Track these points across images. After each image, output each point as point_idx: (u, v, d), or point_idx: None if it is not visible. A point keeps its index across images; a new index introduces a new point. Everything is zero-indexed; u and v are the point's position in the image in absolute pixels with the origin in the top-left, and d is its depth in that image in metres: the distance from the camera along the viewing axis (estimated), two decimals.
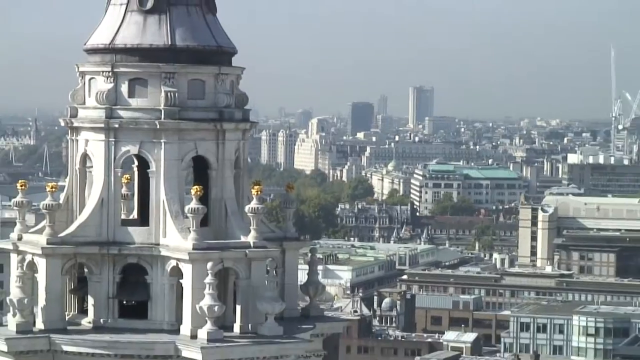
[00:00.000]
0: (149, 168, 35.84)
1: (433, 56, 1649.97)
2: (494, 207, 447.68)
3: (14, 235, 36.77)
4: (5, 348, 34.74)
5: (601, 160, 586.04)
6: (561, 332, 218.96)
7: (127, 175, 36.68)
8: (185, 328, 34.69)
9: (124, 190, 36.59)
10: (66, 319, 35.84)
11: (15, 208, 37.61)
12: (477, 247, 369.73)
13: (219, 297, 34.48)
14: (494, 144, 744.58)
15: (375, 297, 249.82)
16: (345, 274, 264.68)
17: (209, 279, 34.15)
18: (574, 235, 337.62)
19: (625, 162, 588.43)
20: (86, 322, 35.92)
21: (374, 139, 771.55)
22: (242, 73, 37.25)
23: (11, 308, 35.38)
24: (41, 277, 35.39)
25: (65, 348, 34.59)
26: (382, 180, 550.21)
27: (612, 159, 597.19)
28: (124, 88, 35.74)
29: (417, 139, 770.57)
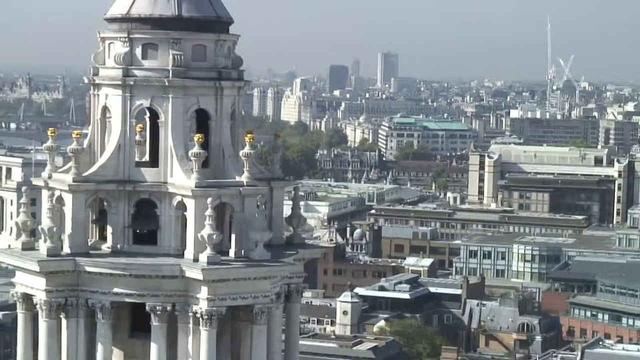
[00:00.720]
0: (158, 119, 35.98)
1: (399, 25, 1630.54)
2: (448, 154, 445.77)
3: (45, 175, 37.00)
4: (37, 269, 34.98)
5: (538, 115, 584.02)
6: (503, 258, 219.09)
7: (140, 125, 36.66)
8: (189, 253, 34.84)
9: (137, 137, 36.56)
10: (88, 245, 35.97)
11: (46, 152, 37.53)
12: (433, 187, 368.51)
13: (217, 227, 34.68)
14: (448, 100, 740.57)
15: (348, 228, 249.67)
16: (323, 209, 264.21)
17: (208, 212, 34.40)
18: (514, 177, 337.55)
19: (558, 117, 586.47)
20: (105, 247, 36.11)
21: (347, 95, 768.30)
22: (237, 40, 37.38)
23: (42, 235, 35.63)
24: (68, 209, 35.63)
25: (88, 269, 34.88)
26: (355, 130, 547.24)
27: (547, 114, 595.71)
28: (138, 51, 35.88)
29: (384, 96, 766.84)
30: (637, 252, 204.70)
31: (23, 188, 38.64)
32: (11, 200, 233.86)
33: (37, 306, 35.50)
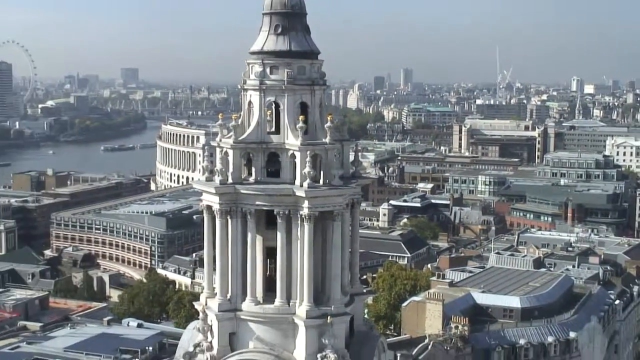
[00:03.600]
0: (279, 107, 35.85)
1: (412, 50, 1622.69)
2: (441, 125, 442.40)
3: (217, 139, 36.75)
4: (214, 191, 35.20)
5: (492, 102, 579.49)
6: (473, 183, 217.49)
7: (269, 111, 36.60)
8: (297, 181, 34.69)
9: (267, 118, 36.45)
10: (242, 178, 35.70)
11: (217, 126, 37.54)
12: (433, 144, 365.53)
13: (312, 167, 34.49)
14: (441, 95, 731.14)
15: (385, 167, 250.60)
16: (371, 156, 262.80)
17: (308, 159, 34.44)
18: (478, 138, 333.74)
19: (504, 103, 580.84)
20: (251, 180, 35.76)
21: (384, 93, 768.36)
22: (322, 63, 36.85)
23: (217, 173, 35.69)
24: (230, 158, 35.51)
25: (242, 191, 35.05)
26: (389, 112, 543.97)
27: (497, 102, 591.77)
28: (267, 70, 35.62)
29: (404, 93, 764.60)
30: (548, 179, 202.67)
31: (205, 147, 38.89)
32: (200, 154, 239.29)
33: (215, 212, 35.85)
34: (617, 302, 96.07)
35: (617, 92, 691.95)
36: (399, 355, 71.21)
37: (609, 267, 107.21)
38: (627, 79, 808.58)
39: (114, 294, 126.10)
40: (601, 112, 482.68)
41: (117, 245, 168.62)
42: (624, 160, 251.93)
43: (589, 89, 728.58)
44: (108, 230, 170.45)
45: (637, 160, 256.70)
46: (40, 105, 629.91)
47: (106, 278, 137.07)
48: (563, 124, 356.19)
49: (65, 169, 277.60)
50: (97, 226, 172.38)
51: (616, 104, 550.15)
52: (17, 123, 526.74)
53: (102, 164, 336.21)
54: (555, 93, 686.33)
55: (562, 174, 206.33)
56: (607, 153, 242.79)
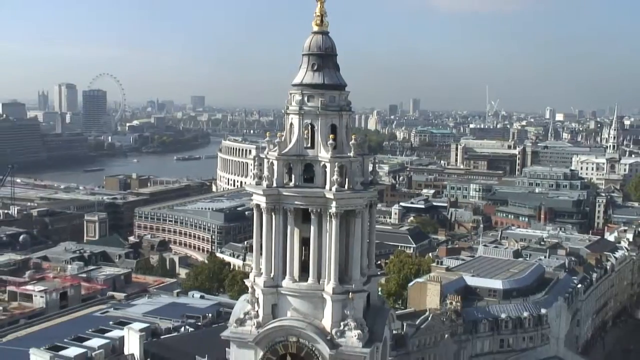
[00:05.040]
0: (314, 128, 35.42)
1: (420, 82, 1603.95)
2: (442, 143, 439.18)
3: (265, 152, 35.98)
4: (262, 193, 34.79)
5: (482, 126, 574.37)
6: (466, 190, 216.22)
7: (306, 131, 36.25)
8: (327, 186, 33.96)
9: (305, 136, 36.06)
10: (284, 182, 34.99)
11: (265, 142, 37.18)
12: (435, 158, 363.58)
13: (339, 176, 34.12)
14: (442, 120, 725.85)
15: (397, 176, 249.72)
16: (385, 167, 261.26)
17: (336, 169, 33.96)
18: (471, 154, 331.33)
19: (491, 127, 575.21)
20: (291, 184, 35.03)
21: (397, 117, 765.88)
22: (348, 93, 36.30)
23: (264, 178, 35.07)
24: (275, 167, 35.01)
25: (284, 193, 34.78)
26: (400, 133, 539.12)
27: (486, 126, 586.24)
28: (305, 99, 35.26)
29: (413, 118, 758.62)
30: (526, 188, 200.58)
31: (256, 158, 38.70)
32: (251, 164, 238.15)
33: (262, 209, 35.83)
34: (579, 286, 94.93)
35: (582, 120, 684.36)
36: (404, 324, 70.88)
37: (573, 258, 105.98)
38: (590, 109, 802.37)
39: (182, 272, 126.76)
40: (569, 135, 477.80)
41: (185, 234, 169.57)
42: (586, 174, 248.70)
43: (559, 116, 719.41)
44: (179, 222, 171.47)
45: (597, 174, 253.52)
46: (127, 124, 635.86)
47: (176, 259, 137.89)
48: (538, 144, 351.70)
49: (146, 174, 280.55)
50: (170, 219, 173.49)
51: (581, 129, 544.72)
52: (109, 137, 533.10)
53: (174, 170, 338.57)
54: (532, 120, 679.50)
55: (537, 183, 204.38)
56: (573, 168, 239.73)
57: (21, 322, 77.06)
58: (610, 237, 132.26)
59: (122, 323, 67.28)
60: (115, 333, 63.60)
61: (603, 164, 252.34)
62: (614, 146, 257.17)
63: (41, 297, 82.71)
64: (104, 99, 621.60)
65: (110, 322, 68.99)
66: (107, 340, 61.91)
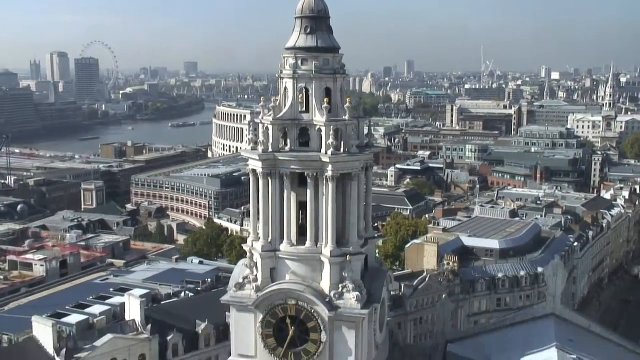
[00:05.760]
0: (309, 92, 35.47)
1: (415, 44, 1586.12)
2: (437, 105, 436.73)
3: (260, 117, 36.40)
4: (257, 158, 35.02)
5: (478, 86, 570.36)
6: (462, 151, 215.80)
7: (301, 95, 36.18)
8: (323, 149, 34.38)
9: (299, 100, 36.00)
10: (279, 147, 35.28)
11: (260, 107, 37.31)
12: (430, 120, 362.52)
13: (335, 138, 34.30)
14: (437, 81, 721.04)
15: (392, 139, 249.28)
16: (381, 130, 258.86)
17: (331, 132, 34.17)
18: (466, 115, 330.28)
19: (487, 87, 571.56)
20: (287, 149, 35.36)
21: (392, 79, 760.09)
22: (342, 56, 36.14)
23: (260, 143, 35.47)
24: (270, 132, 35.22)
25: (280, 157, 34.86)
26: (395, 95, 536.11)
27: (482, 86, 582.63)
28: (299, 62, 35.18)
29: (408, 79, 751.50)
30: (522, 147, 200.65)
31: (251, 123, 38.62)
32: (246, 129, 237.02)
33: (258, 174, 35.88)
34: (575, 244, 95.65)
35: (578, 78, 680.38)
36: (402, 285, 71.53)
37: (569, 217, 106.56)
38: (585, 67, 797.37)
39: (181, 238, 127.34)
40: (565, 94, 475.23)
41: (182, 201, 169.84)
42: (582, 132, 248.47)
43: (555, 75, 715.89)
44: (175, 189, 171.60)
45: (593, 132, 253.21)
46: (121, 92, 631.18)
47: (174, 226, 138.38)
48: (534, 104, 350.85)
49: (141, 141, 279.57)
50: (167, 186, 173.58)
51: (577, 87, 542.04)
52: (103, 106, 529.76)
53: (169, 137, 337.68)
54: (528, 79, 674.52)
55: (533, 143, 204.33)
56: (569, 126, 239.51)
57: (22, 290, 77.55)
58: (607, 195, 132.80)
59: (122, 290, 67.71)
60: (116, 300, 64.08)
61: (599, 122, 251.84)
62: (610, 104, 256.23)
63: (41, 265, 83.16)
64: (96, 67, 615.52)
65: (111, 289, 69.43)
66: (108, 307, 62.39)
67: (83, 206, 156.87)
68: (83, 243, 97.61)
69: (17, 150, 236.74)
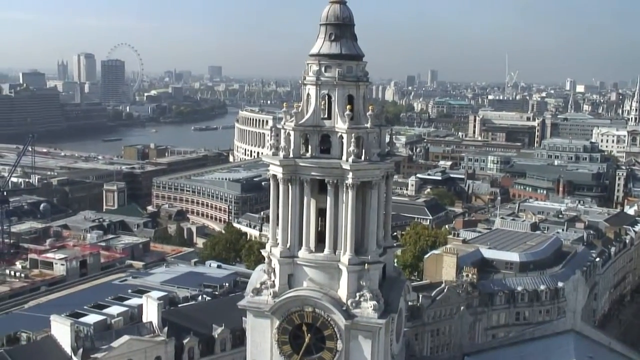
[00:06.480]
0: (331, 99, 35.25)
1: (439, 53, 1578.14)
2: (459, 115, 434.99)
3: (282, 123, 36.06)
4: (278, 163, 34.82)
5: (501, 98, 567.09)
6: (484, 162, 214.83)
7: (323, 102, 36.07)
8: (344, 157, 34.00)
9: (321, 107, 35.90)
10: (300, 153, 35.07)
11: (282, 112, 37.16)
12: (452, 130, 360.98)
13: (356, 147, 34.04)
14: (460, 91, 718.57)
15: (414, 148, 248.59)
16: (402, 139, 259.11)
17: (353, 140, 33.90)
18: (489, 126, 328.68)
19: (510, 98, 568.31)
20: (308, 155, 35.17)
21: (415, 88, 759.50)
22: (365, 64, 35.89)
23: (281, 149, 35.14)
24: (292, 137, 35.05)
25: (301, 163, 34.77)
26: (418, 104, 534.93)
27: (505, 97, 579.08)
28: (322, 69, 34.97)
29: (431, 89, 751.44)
30: (545, 160, 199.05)
31: (273, 129, 38.58)
32: (268, 134, 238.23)
33: (279, 180, 35.82)
34: (597, 259, 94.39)
35: (603, 91, 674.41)
36: (420, 296, 71.03)
37: (591, 231, 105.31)
38: (611, 80, 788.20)
39: (200, 242, 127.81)
40: (589, 107, 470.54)
41: (202, 204, 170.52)
42: (606, 146, 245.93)
43: (580, 88, 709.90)
44: (196, 192, 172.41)
45: (618, 147, 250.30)
46: (145, 94, 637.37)
47: (194, 229, 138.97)
48: (558, 116, 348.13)
49: (164, 144, 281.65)
50: (187, 188, 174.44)
51: (602, 100, 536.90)
52: (127, 107, 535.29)
53: (192, 140, 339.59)
54: (552, 91, 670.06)
55: (556, 156, 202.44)
56: (593, 140, 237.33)
57: (42, 289, 78.36)
58: (630, 210, 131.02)
59: (140, 291, 68.13)
60: (134, 301, 64.47)
61: (624, 136, 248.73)
62: (635, 118, 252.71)
63: (62, 264, 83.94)
64: (122, 69, 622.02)
65: (129, 290, 69.87)
66: (126, 308, 62.81)
67: (104, 207, 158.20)
68: (103, 243, 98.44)
69: (45, 150, 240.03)
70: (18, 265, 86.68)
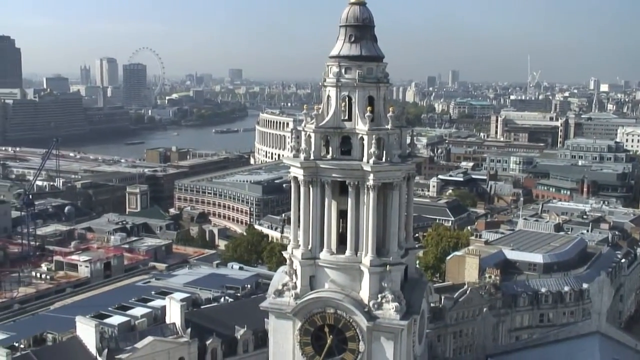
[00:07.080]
0: (352, 100, 35.20)
1: (459, 53, 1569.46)
2: (481, 115, 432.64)
3: (302, 125, 36.23)
4: (299, 165, 34.88)
5: (523, 98, 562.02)
6: (506, 162, 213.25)
7: (343, 103, 35.94)
8: (365, 158, 33.97)
9: (342, 108, 35.90)
10: (321, 155, 35.09)
11: (302, 115, 37.45)
12: (474, 130, 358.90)
13: (377, 148, 33.98)
14: (481, 92, 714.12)
15: (435, 149, 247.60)
16: (423, 140, 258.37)
17: (374, 141, 33.83)
18: (511, 126, 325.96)
19: (533, 98, 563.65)
20: (329, 157, 35.06)
21: (435, 89, 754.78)
22: (386, 65, 35.86)
23: (302, 151, 35.20)
24: (312, 139, 35.03)
25: (322, 165, 34.80)
26: (439, 105, 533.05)
27: (528, 97, 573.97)
28: (343, 71, 34.95)
29: (452, 89, 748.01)
30: (568, 160, 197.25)
31: (293, 131, 38.67)
32: (288, 136, 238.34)
33: (300, 182, 35.91)
34: (622, 260, 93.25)
35: (628, 90, 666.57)
36: (442, 297, 70.75)
37: (617, 232, 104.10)
38: (636, 79, 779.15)
39: (222, 244, 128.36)
40: (614, 106, 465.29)
41: (224, 206, 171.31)
42: (632, 146, 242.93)
43: (604, 87, 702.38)
44: (217, 194, 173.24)
45: None
46: (167, 97, 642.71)
47: (215, 231, 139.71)
48: (582, 116, 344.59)
49: (186, 147, 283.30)
50: (209, 191, 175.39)
51: (627, 99, 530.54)
52: (149, 111, 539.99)
53: (213, 143, 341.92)
54: (575, 91, 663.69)
55: (579, 156, 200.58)
56: (618, 140, 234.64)
57: (67, 290, 79.39)
58: None
59: (163, 293, 68.65)
60: (157, 302, 64.99)
61: None
62: None
63: (86, 266, 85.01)
64: (143, 72, 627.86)
65: (152, 292, 70.42)
66: (149, 310, 63.33)
67: (127, 209, 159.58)
68: (126, 246, 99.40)
69: (72, 154, 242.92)
70: (43, 267, 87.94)
